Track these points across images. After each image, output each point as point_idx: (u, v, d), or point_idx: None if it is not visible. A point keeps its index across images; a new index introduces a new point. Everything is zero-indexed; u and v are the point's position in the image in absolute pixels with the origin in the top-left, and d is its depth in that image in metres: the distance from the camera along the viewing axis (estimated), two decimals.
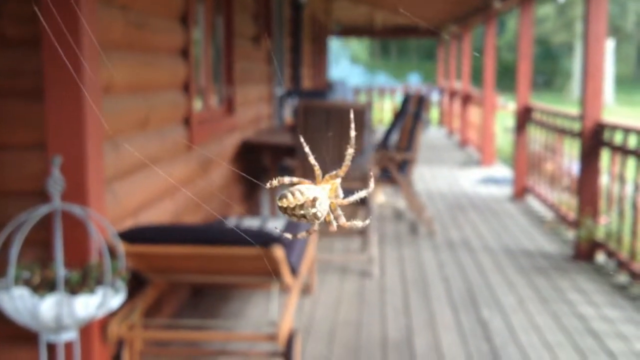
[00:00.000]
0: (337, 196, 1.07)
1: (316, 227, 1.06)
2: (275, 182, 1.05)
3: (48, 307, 2.45)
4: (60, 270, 2.52)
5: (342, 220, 1.08)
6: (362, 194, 1.06)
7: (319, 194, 1.04)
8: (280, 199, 1.03)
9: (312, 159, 1.06)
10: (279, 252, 2.97)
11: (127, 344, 3.11)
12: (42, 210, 2.56)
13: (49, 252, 2.70)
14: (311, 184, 1.06)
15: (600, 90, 5.20)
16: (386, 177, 6.05)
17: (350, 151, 1.05)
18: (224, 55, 5.43)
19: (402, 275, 4.86)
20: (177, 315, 3.95)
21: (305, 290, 4.39)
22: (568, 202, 6.33)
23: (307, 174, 5.01)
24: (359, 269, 4.99)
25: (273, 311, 3.39)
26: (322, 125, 4.97)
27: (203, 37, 4.93)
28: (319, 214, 1.03)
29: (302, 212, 1.03)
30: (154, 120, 3.61)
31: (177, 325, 3.69)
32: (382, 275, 4.84)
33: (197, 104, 4.68)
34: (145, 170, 3.49)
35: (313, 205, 1.02)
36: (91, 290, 2.53)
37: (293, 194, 1.02)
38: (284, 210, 1.03)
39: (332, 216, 1.07)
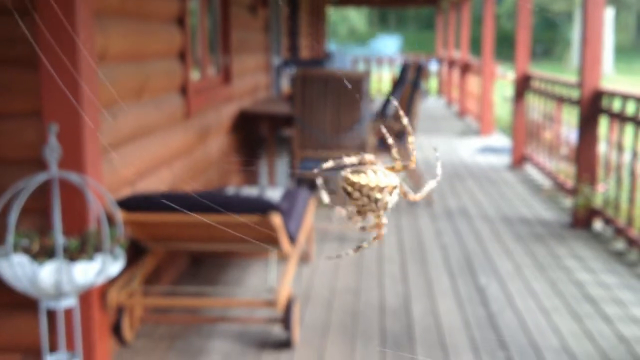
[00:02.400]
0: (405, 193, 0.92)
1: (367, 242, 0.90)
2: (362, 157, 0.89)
3: (47, 273, 2.46)
4: (59, 238, 2.53)
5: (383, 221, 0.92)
6: (431, 184, 0.93)
7: (397, 183, 0.87)
8: (356, 173, 0.86)
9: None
10: (276, 219, 2.98)
11: (126, 310, 3.13)
12: (40, 178, 2.56)
13: (47, 220, 2.70)
14: (386, 169, 0.90)
15: (599, 57, 5.18)
16: (384, 146, 6.05)
17: (411, 139, 0.92)
18: (221, 25, 5.39)
19: (400, 243, 4.88)
20: (177, 283, 3.98)
21: (304, 258, 4.41)
22: (566, 170, 6.34)
23: (305, 143, 5.01)
24: (357, 237, 5.02)
25: (272, 278, 3.41)
26: (320, 94, 4.95)
27: (199, 6, 4.88)
28: (389, 205, 0.87)
29: (376, 195, 0.85)
30: (150, 88, 3.59)
31: (177, 293, 3.72)
32: (380, 244, 4.87)
33: (195, 74, 4.66)
34: (143, 139, 3.49)
35: (391, 193, 0.87)
36: (90, 257, 2.54)
37: (375, 172, 0.85)
38: (357, 187, 0.85)
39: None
